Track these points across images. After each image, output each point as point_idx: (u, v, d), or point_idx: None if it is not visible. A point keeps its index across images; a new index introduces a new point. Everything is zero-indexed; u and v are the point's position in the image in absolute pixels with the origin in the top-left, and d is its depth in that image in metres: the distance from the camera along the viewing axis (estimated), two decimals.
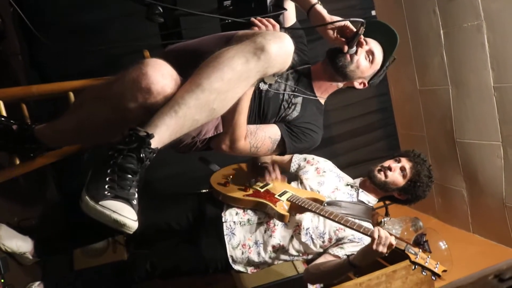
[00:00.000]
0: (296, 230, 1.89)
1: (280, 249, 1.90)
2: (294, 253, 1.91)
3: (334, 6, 2.92)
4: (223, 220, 1.92)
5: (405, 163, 2.01)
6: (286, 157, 2.21)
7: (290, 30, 1.73)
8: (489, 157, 2.50)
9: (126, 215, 0.97)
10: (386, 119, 3.47)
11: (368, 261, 1.66)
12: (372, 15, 3.22)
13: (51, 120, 1.41)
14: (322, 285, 2.54)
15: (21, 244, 1.84)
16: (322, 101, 1.82)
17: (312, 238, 1.87)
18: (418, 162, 1.99)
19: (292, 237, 1.89)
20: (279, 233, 1.89)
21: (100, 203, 0.96)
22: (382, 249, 1.57)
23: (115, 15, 2.59)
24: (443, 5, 2.61)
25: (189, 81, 1.13)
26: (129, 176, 1.01)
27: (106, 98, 1.20)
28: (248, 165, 2.19)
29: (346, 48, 1.63)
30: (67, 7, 2.51)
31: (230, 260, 1.91)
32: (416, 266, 1.56)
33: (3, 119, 1.42)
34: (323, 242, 1.88)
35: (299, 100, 1.71)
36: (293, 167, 2.19)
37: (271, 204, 1.83)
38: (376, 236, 1.58)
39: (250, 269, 1.95)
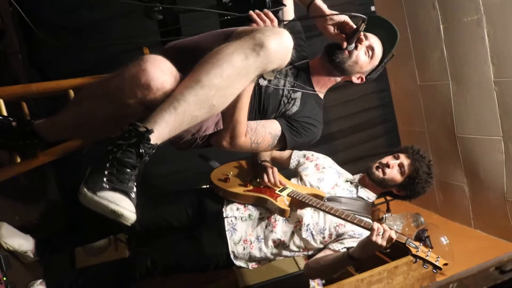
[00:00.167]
0: (296, 226, 1.90)
1: (281, 245, 1.90)
2: (295, 248, 1.91)
3: (333, 1, 2.92)
4: (224, 216, 1.93)
5: (404, 159, 2.01)
6: (286, 154, 2.21)
7: (289, 26, 1.73)
8: (490, 152, 2.50)
9: (124, 205, 0.97)
10: (387, 115, 3.47)
11: (368, 253, 1.66)
12: (371, 10, 3.21)
13: (50, 115, 1.41)
14: (323, 281, 2.54)
15: (23, 243, 1.85)
16: (321, 96, 1.82)
17: (312, 234, 1.88)
18: (417, 158, 1.99)
19: (293, 233, 1.90)
20: (280, 229, 1.89)
21: (98, 193, 0.96)
22: (382, 241, 1.57)
23: (115, 13, 2.59)
24: (442, 0, 2.60)
25: (188, 77, 1.14)
26: (128, 170, 1.02)
27: (106, 94, 1.20)
28: (248, 162, 2.19)
29: (345, 44, 1.62)
30: (67, 6, 2.51)
31: (232, 256, 1.91)
32: (417, 260, 1.56)
33: (1, 117, 1.42)
34: (324, 238, 1.88)
35: (298, 95, 1.71)
36: (293, 163, 2.20)
37: (271, 199, 1.84)
38: (375, 227, 1.58)
39: (251, 265, 1.95)
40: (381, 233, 1.57)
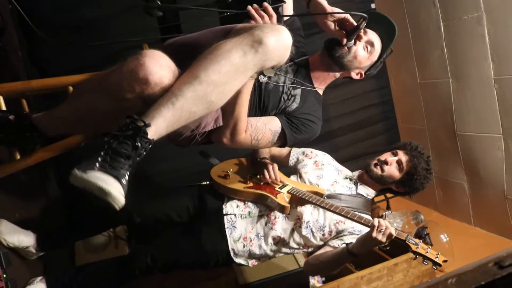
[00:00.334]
0: (296, 223, 1.90)
1: (280, 242, 1.90)
2: (295, 246, 1.91)
3: None
4: (224, 212, 1.93)
5: (402, 156, 2.01)
6: (285, 151, 2.21)
7: (288, 23, 1.73)
8: (490, 150, 2.49)
9: (112, 185, 0.96)
10: (387, 113, 3.46)
11: (367, 249, 1.66)
12: (372, 8, 3.21)
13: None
14: (323, 278, 2.55)
15: (23, 239, 1.84)
16: (321, 92, 1.82)
17: (312, 231, 1.88)
18: (415, 155, 1.99)
19: (292, 230, 1.90)
20: (280, 226, 1.90)
21: (87, 172, 0.95)
22: (382, 237, 1.57)
23: (114, 10, 2.59)
24: None
25: (186, 73, 1.14)
26: (122, 159, 1.01)
27: (104, 88, 1.20)
28: (247, 160, 2.20)
29: (345, 40, 1.63)
30: (67, 4, 2.51)
31: (232, 254, 1.91)
32: (417, 256, 1.56)
33: None
34: (323, 235, 1.88)
35: (298, 91, 1.71)
36: (292, 161, 2.20)
37: (272, 196, 1.84)
38: (376, 223, 1.59)
39: (251, 262, 1.95)
40: (382, 230, 1.58)
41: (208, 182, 2.11)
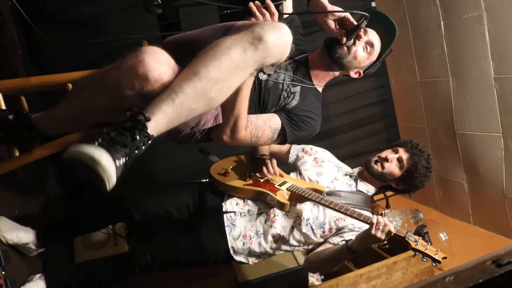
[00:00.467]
0: (296, 221, 1.90)
1: (280, 239, 1.90)
2: (295, 243, 1.91)
3: None
4: (224, 210, 1.93)
5: (403, 153, 2.01)
6: (284, 148, 2.21)
7: (288, 20, 1.73)
8: (489, 149, 2.49)
9: (104, 156, 0.91)
10: (387, 111, 3.47)
11: (366, 246, 1.66)
12: (372, 6, 3.21)
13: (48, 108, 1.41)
14: (322, 276, 2.55)
15: (23, 235, 1.84)
16: (320, 89, 1.83)
17: (312, 229, 1.88)
18: (416, 153, 1.99)
19: (292, 228, 1.90)
20: (280, 223, 1.90)
21: (81, 145, 0.91)
22: (381, 234, 1.57)
23: (114, 8, 2.58)
24: None
25: (186, 69, 1.13)
26: (119, 146, 0.97)
27: (104, 85, 1.20)
28: (247, 157, 2.20)
29: (344, 40, 1.62)
30: (66, 2, 2.50)
31: (231, 251, 1.91)
32: (417, 253, 1.56)
33: None
34: (324, 232, 1.88)
35: (298, 89, 1.71)
36: (291, 158, 2.20)
37: (271, 194, 1.83)
38: (375, 221, 1.59)
39: (251, 260, 1.95)
40: (381, 227, 1.58)
41: (207, 180, 2.10)
